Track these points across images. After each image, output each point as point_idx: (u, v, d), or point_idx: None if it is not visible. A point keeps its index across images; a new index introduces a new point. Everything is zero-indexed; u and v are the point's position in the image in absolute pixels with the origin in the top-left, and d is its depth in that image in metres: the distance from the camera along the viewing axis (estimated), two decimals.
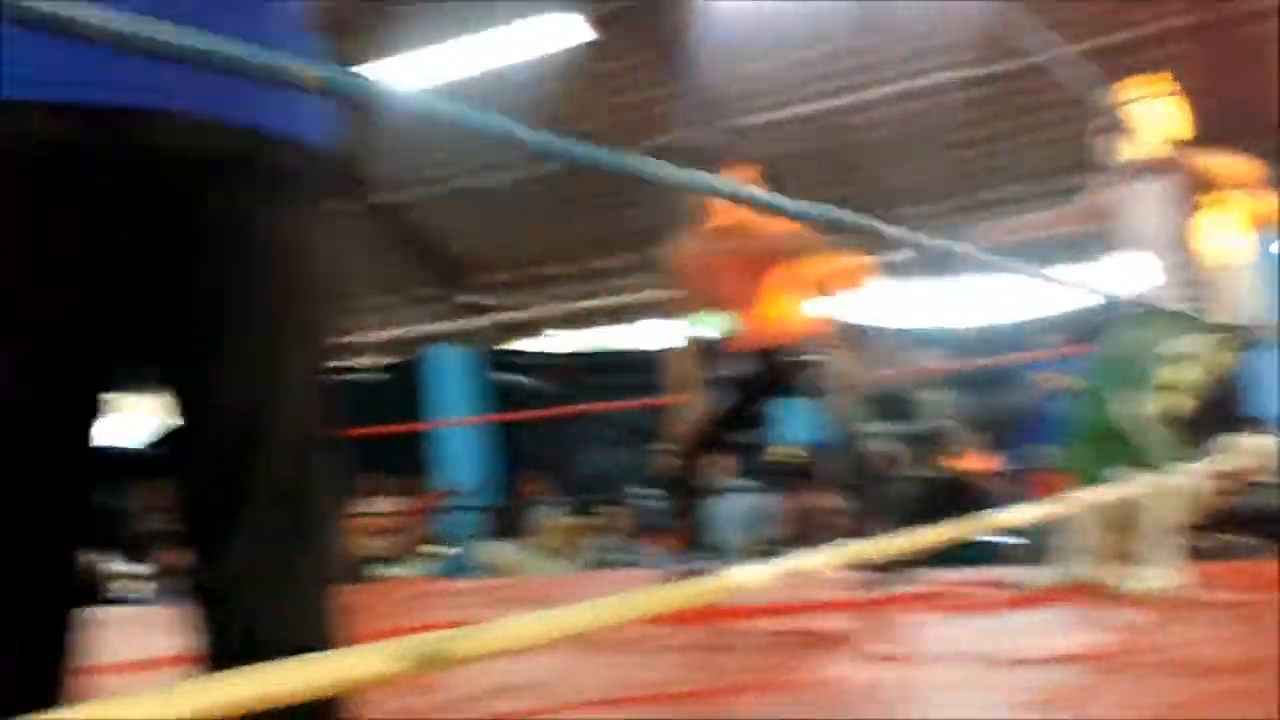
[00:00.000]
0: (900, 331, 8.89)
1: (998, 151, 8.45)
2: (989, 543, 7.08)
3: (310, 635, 0.99)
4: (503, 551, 8.18)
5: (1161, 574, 3.09)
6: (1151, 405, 3.08)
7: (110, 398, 1.02)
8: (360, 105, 0.86)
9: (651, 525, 7.94)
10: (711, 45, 8.40)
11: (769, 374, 3.86)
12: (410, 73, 8.28)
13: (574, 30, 8.11)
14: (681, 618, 2.72)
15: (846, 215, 1.23)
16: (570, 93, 9.12)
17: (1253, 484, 6.14)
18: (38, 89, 0.91)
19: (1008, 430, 7.87)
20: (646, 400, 9.83)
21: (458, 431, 10.32)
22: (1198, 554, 3.36)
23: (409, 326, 10.91)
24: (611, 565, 7.32)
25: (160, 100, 0.94)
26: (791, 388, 3.79)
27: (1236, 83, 7.40)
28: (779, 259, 3.83)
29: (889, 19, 7.91)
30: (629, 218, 10.18)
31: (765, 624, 3.07)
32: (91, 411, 1.00)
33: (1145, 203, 3.28)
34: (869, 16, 7.91)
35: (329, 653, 0.67)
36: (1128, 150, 3.33)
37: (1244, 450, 6.29)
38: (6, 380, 0.94)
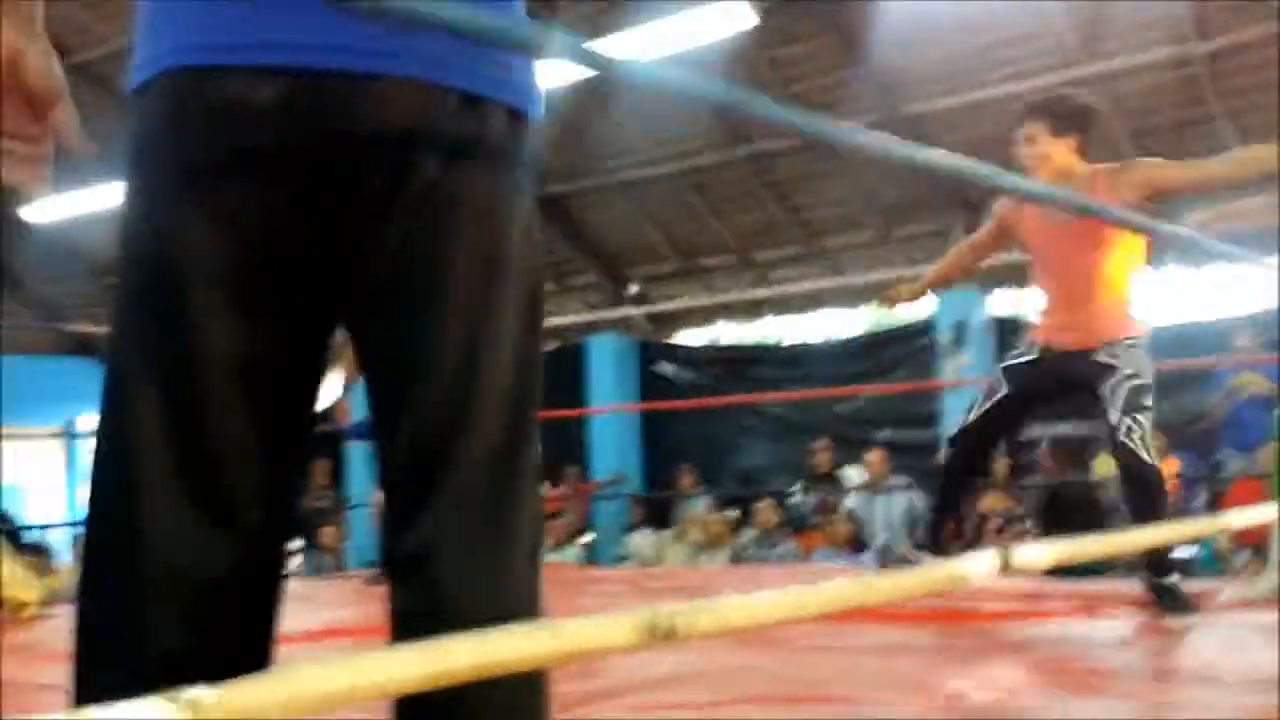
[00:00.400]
0: None
1: (1197, 135, 7.83)
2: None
3: (515, 603, 0.98)
4: (648, 542, 8.04)
5: None
6: None
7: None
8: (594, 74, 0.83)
9: (799, 522, 7.67)
10: (887, 29, 8.09)
11: (1073, 373, 3.27)
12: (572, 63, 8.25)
13: (740, 16, 7.92)
14: (844, 617, 2.53)
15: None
16: (741, 80, 8.96)
17: None
18: (258, 54, 0.93)
19: (1198, 434, 7.28)
20: (802, 393, 9.65)
21: (612, 420, 10.25)
22: None
23: (569, 315, 10.94)
24: (755, 560, 7.07)
25: (376, 65, 0.94)
26: (1087, 391, 3.25)
27: None
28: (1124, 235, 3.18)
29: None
30: (795, 208, 9.95)
31: (932, 627, 2.83)
32: (315, 374, 1.02)
33: None
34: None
35: (557, 621, 0.62)
36: None
37: None
38: (238, 342, 0.95)
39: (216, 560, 0.93)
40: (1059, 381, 3.30)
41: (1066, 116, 3.27)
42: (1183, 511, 6.72)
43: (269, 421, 0.97)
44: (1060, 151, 3.25)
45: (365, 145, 0.94)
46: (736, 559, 7.34)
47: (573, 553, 8.11)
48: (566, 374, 10.40)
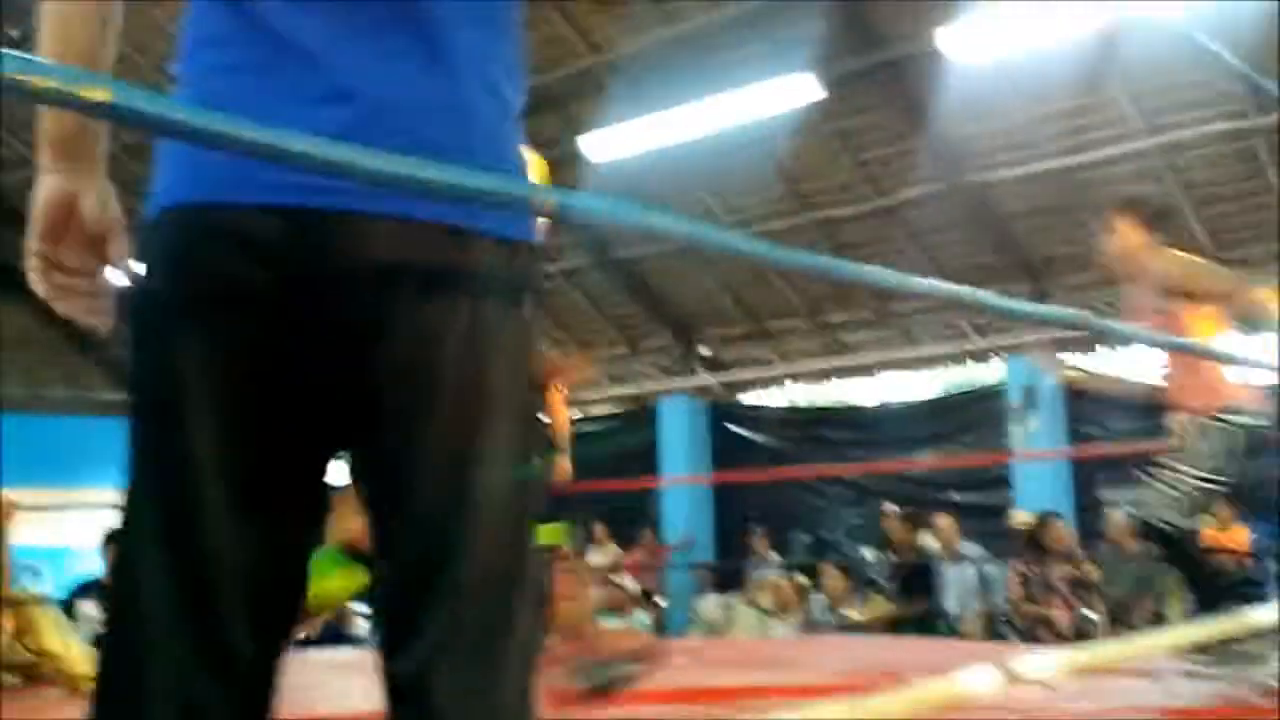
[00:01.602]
0: None
1: (1250, 208, 7.85)
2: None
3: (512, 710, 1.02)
4: (716, 606, 8.14)
5: None
6: None
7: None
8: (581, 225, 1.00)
9: (867, 586, 7.72)
10: (950, 99, 8.23)
11: None
12: (644, 134, 8.51)
13: (807, 88, 8.13)
14: None
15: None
16: (810, 150, 9.16)
17: None
18: (262, 192, 0.98)
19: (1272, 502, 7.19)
20: (874, 459, 9.72)
21: (686, 485, 10.40)
22: None
23: (642, 380, 11.15)
24: (823, 627, 7.15)
25: (356, 202, 0.98)
26: None
27: None
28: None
29: (1130, 73, 7.54)
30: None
31: None
32: (314, 501, 1.07)
33: None
34: (1107, 71, 7.56)
35: None
36: None
37: None
38: (237, 467, 1.00)
39: (215, 703, 0.99)
40: None
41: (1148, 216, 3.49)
42: (1252, 582, 6.65)
43: (269, 548, 1.01)
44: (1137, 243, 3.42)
45: (355, 279, 0.99)
46: (809, 625, 7.39)
47: (639, 618, 8.23)
48: (639, 436, 10.59)
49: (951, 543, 7.76)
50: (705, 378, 11.05)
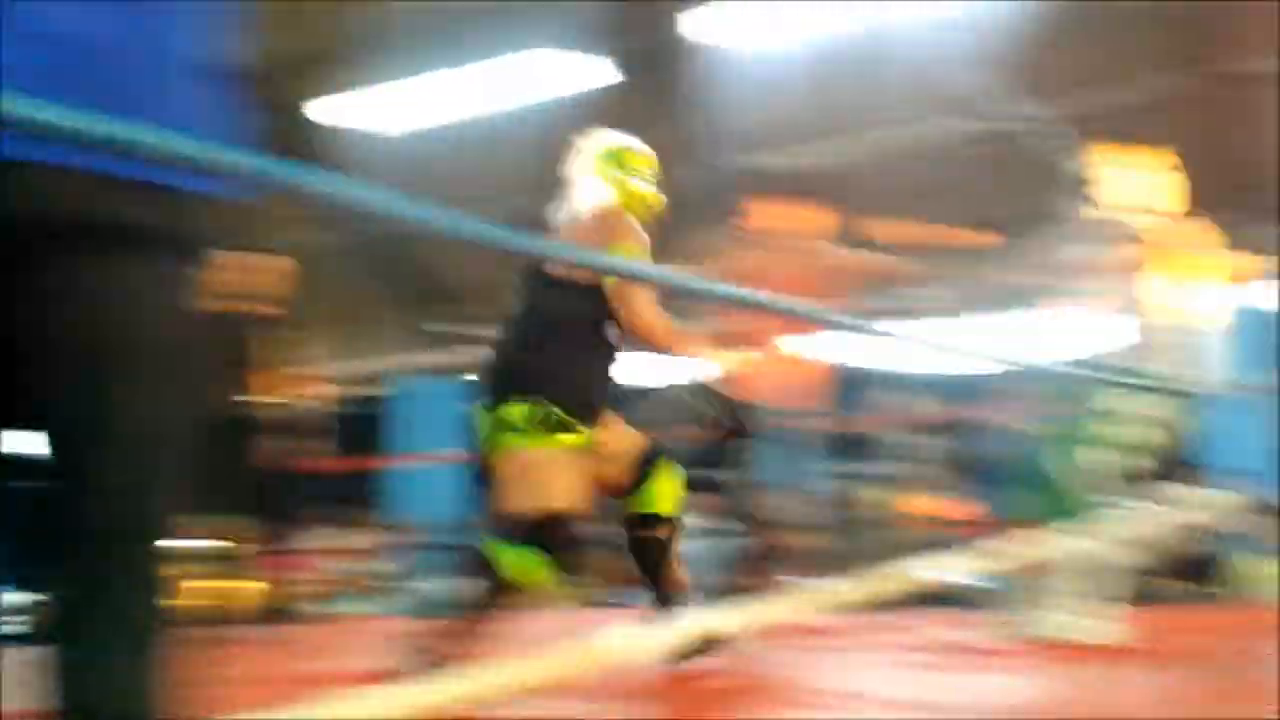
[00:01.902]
0: (894, 376, 8.76)
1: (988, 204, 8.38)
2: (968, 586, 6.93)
3: (133, 683, 1.01)
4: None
5: (1102, 623, 2.97)
6: (1092, 458, 2.99)
7: None
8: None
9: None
10: (722, 89, 8.38)
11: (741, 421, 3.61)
12: (418, 103, 8.23)
13: (597, 72, 8.08)
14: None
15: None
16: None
17: (1198, 534, 6.10)
18: None
19: (988, 478, 7.71)
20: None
21: (429, 466, 10.13)
22: (1141, 601, 3.30)
23: (388, 356, 10.81)
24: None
25: (16, 150, 0.91)
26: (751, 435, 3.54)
27: (1219, 148, 7.39)
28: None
29: (886, 71, 7.89)
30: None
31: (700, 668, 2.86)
32: None
33: (1102, 265, 3.33)
34: (865, 68, 7.89)
35: None
36: (1094, 213, 3.29)
37: (1189, 502, 6.25)
38: None
39: None
40: None
41: None
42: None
43: None
44: None
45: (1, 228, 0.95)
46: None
47: (379, 603, 7.96)
48: (377, 421, 10.26)
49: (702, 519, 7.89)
50: (454, 357, 10.78)
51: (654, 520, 2.95)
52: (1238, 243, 3.71)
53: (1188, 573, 6.06)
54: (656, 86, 8.58)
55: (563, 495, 2.75)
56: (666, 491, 2.96)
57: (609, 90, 8.57)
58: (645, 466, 2.94)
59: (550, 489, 2.74)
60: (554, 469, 2.76)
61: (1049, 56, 7.42)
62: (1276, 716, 1.83)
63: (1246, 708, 1.94)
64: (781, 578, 6.74)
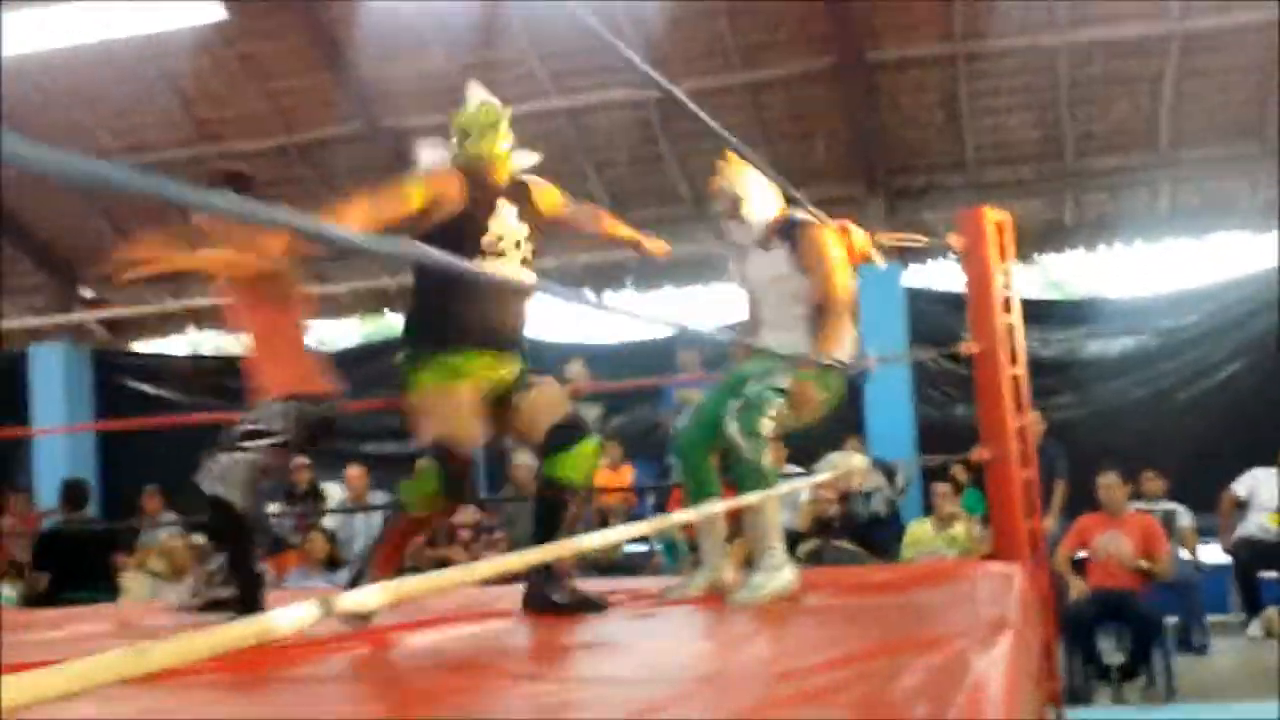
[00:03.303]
0: (548, 345, 8.84)
1: (644, 172, 8.61)
2: (636, 552, 7.20)
3: None
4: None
5: (769, 580, 3.15)
6: (752, 425, 3.19)
7: None
8: None
9: (275, 544, 7.40)
10: (367, 39, 8.02)
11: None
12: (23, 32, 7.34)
13: (205, 8, 7.49)
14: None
15: None
16: (210, 74, 8.46)
17: (849, 496, 6.64)
18: None
19: (653, 445, 7.99)
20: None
21: (61, 440, 9.26)
22: (800, 560, 3.51)
23: (8, 320, 9.72)
24: None
25: None
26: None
27: (849, 127, 7.99)
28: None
29: (537, 33, 7.87)
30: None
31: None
32: None
33: (762, 263, 3.50)
34: (515, 27, 7.83)
35: None
36: (742, 224, 3.47)
37: (842, 466, 6.79)
38: None
39: None
40: None
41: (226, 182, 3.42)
42: (636, 515, 7.37)
43: None
44: None
45: None
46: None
47: (9, 594, 7.21)
48: (3, 388, 9.27)
49: (362, 493, 7.68)
50: (84, 315, 9.86)
51: (561, 485, 3.11)
52: (863, 219, 4.01)
53: (857, 535, 6.47)
54: (300, 28, 8.13)
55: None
56: (579, 462, 3.12)
57: (245, 29, 8.04)
58: (562, 433, 3.10)
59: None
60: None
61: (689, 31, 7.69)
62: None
63: (902, 657, 2.11)
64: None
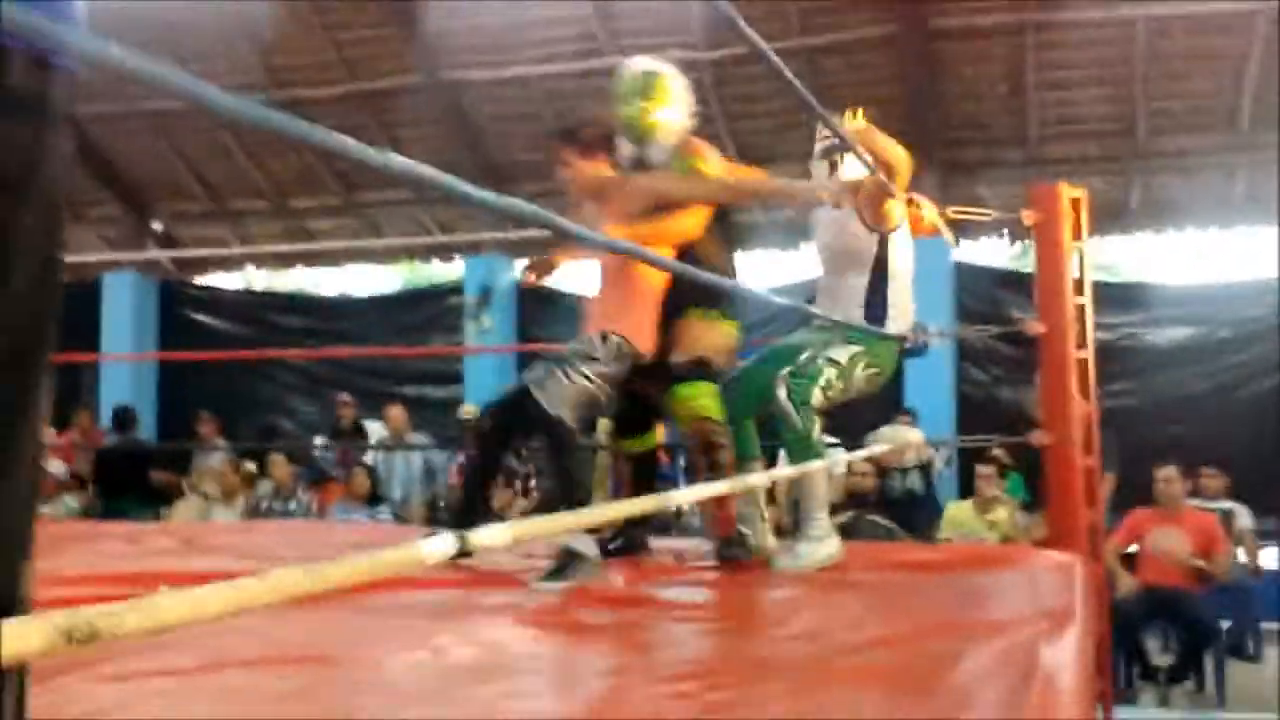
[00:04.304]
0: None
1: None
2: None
3: None
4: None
5: (815, 549, 3.17)
6: (804, 395, 3.15)
7: None
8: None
9: (317, 475, 7.67)
10: None
11: None
12: None
13: None
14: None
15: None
16: (286, 22, 8.67)
17: (886, 471, 6.59)
18: None
19: None
20: (334, 349, 9.61)
21: (127, 365, 9.65)
22: (841, 534, 3.47)
23: (85, 252, 10.11)
24: (267, 515, 7.00)
25: None
26: None
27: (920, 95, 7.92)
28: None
29: None
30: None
31: (442, 590, 2.82)
32: None
33: (831, 225, 3.42)
34: None
35: None
36: (840, 177, 3.39)
37: (897, 440, 6.73)
38: None
39: None
40: None
41: (591, 143, 3.44)
42: (666, 475, 7.45)
43: None
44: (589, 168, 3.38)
45: None
46: (252, 513, 7.20)
47: (68, 506, 7.58)
48: (77, 314, 9.64)
49: (402, 432, 7.90)
50: (156, 254, 10.24)
51: (712, 422, 3.22)
52: (916, 192, 3.90)
53: (892, 512, 6.20)
54: None
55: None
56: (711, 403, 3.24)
57: None
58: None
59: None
60: None
61: None
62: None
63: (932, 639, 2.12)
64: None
